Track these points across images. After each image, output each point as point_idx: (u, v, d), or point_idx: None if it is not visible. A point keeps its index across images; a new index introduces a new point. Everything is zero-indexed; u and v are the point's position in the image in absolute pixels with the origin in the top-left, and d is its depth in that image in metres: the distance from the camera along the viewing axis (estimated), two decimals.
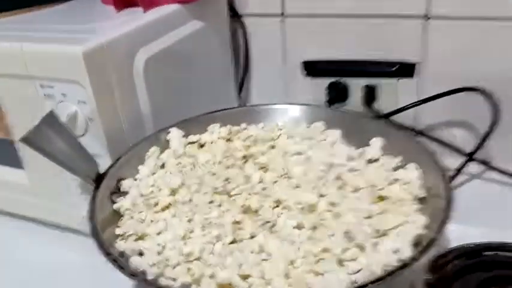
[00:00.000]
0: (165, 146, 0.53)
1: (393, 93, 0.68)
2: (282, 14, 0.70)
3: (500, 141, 0.60)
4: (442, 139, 0.64)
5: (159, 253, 0.39)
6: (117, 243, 0.40)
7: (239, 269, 0.37)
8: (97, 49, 0.47)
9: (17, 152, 0.57)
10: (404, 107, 0.64)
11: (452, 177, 0.56)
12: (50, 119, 0.43)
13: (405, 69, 0.66)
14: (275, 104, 0.57)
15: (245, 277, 0.37)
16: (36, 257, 0.57)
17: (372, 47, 0.67)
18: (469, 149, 0.60)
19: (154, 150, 0.51)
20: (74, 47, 0.46)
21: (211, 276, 0.36)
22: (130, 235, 0.40)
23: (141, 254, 0.40)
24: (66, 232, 0.59)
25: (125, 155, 0.49)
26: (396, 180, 0.45)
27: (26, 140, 0.42)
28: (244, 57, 0.75)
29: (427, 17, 0.62)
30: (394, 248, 0.36)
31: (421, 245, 0.36)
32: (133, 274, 0.35)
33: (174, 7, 0.59)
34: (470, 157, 0.60)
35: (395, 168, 0.46)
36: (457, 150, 0.63)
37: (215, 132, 0.54)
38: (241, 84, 0.76)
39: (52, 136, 0.42)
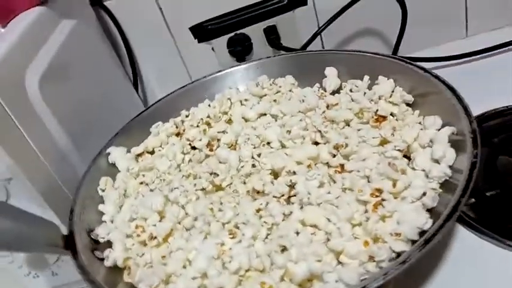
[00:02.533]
0: (112, 171, 0.43)
1: (294, 25, 0.66)
2: None
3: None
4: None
5: (200, 287, 0.32)
6: None
7: (307, 255, 0.31)
8: None
9: None
10: (315, 33, 0.62)
11: None
12: None
13: None
14: (201, 78, 0.51)
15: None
16: None
17: None
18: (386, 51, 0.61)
19: (105, 180, 0.41)
20: None
21: (287, 276, 0.30)
22: (156, 286, 0.32)
23: None
24: None
25: (76, 203, 0.39)
26: (379, 97, 0.42)
27: None
28: (126, 53, 0.65)
29: None
30: (435, 158, 0.34)
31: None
32: None
33: (34, 13, 0.47)
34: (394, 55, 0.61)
35: (368, 88, 0.44)
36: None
37: (161, 131, 0.45)
38: (135, 81, 0.66)
39: (6, 227, 0.30)
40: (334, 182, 0.37)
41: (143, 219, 0.37)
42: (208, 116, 0.46)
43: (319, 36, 0.64)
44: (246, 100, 0.47)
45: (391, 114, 0.41)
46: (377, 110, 0.40)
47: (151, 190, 0.40)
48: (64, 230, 0.36)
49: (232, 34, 0.65)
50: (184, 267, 0.33)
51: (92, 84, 0.52)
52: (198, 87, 0.50)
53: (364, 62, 0.46)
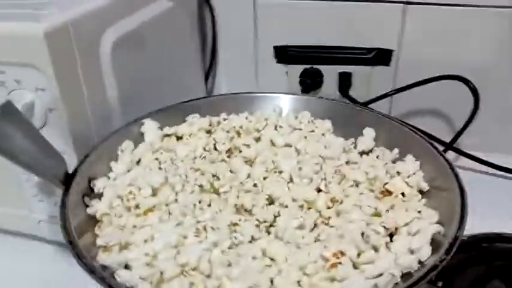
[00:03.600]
0: (138, 139, 0.47)
1: (368, 80, 0.66)
2: None
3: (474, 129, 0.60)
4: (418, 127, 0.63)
5: (147, 264, 0.34)
6: (99, 256, 0.34)
7: (247, 279, 0.32)
8: (61, 28, 0.40)
9: None
10: (383, 94, 0.63)
11: None
12: (7, 110, 0.36)
13: (382, 56, 0.64)
14: (257, 92, 0.53)
15: None
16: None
17: (346, 32, 0.65)
18: (441, 136, 0.59)
19: (127, 144, 0.45)
20: (33, 25, 0.39)
21: None
22: (113, 245, 0.35)
23: (126, 266, 0.34)
24: (18, 238, 0.52)
25: (95, 150, 0.43)
26: (398, 173, 0.42)
27: None
28: (211, 43, 0.70)
29: (407, 1, 0.60)
30: (411, 247, 0.34)
31: (435, 243, 0.34)
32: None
33: None
34: (449, 146, 0.60)
35: (394, 161, 0.44)
36: (435, 139, 0.62)
37: (195, 123, 0.48)
38: (208, 71, 0.71)
39: (10, 131, 0.35)
40: (314, 229, 0.38)
41: (138, 189, 0.41)
42: (241, 127, 0.48)
43: (389, 98, 0.65)
44: (280, 127, 0.49)
45: (402, 194, 0.41)
46: (386, 183, 0.40)
47: (159, 168, 0.44)
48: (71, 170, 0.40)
49: (308, 66, 0.67)
50: (145, 241, 0.36)
51: (163, 63, 0.57)
52: (248, 99, 0.52)
53: (407, 137, 0.46)
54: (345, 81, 0.66)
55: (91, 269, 0.31)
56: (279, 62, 0.69)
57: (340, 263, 0.33)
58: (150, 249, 0.35)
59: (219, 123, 0.49)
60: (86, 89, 0.45)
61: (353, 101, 0.64)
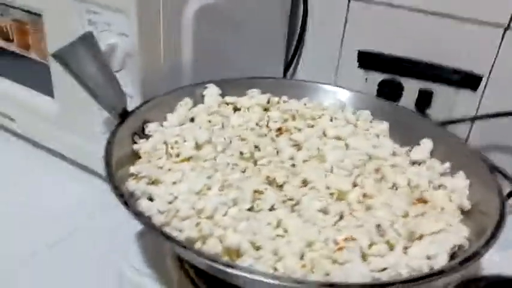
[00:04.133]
0: (199, 100, 0.49)
1: (450, 102, 0.63)
2: None
3: None
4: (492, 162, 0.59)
5: (169, 202, 0.36)
6: (128, 182, 0.37)
7: (252, 236, 0.33)
8: None
9: (50, 77, 0.55)
10: (461, 118, 0.59)
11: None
12: (87, 39, 0.40)
13: (470, 81, 0.61)
14: (323, 83, 0.53)
15: (256, 248, 0.33)
16: (49, 190, 0.56)
17: (436, 49, 0.62)
18: None
19: (187, 101, 0.48)
20: None
21: (220, 238, 0.33)
22: (143, 177, 0.37)
23: (151, 199, 0.37)
24: (85, 172, 0.57)
25: (157, 98, 0.46)
26: (441, 186, 0.40)
27: (57, 55, 0.39)
28: (300, 30, 0.71)
29: (508, 27, 0.56)
30: (428, 254, 0.32)
31: (458, 258, 0.32)
32: (137, 214, 0.32)
33: None
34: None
35: (443, 174, 0.42)
36: (507, 178, 0.57)
37: (254, 97, 0.50)
38: (291, 57, 0.72)
39: (85, 58, 0.40)
40: (340, 220, 0.37)
41: (183, 140, 0.43)
42: (297, 111, 0.49)
43: (468, 125, 0.61)
44: (335, 119, 0.48)
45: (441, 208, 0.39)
46: (423, 191, 0.38)
47: (208, 129, 0.46)
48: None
49: (390, 76, 0.66)
50: (173, 183, 0.38)
51: (244, 40, 0.59)
52: (314, 88, 0.53)
53: (464, 155, 0.43)
54: (424, 99, 0.64)
55: (115, 186, 0.34)
56: (360, 66, 0.68)
57: (346, 247, 0.32)
58: (175, 190, 0.37)
59: (278, 102, 0.50)
60: (163, 46, 0.48)
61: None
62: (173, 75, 0.50)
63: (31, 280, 0.44)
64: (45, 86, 0.56)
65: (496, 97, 0.60)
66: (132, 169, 0.38)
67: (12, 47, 0.59)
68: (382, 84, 0.66)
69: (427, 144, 0.45)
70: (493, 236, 0.32)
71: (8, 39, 0.59)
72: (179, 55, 0.51)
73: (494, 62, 0.59)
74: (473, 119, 0.59)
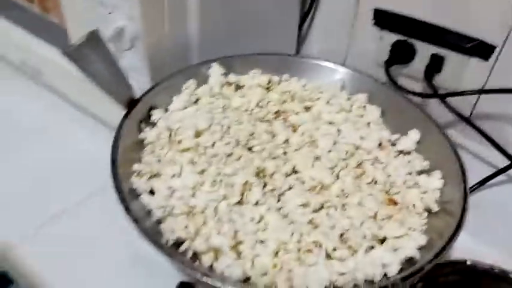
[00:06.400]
0: (203, 79, 0.52)
1: (460, 70, 0.63)
2: None
3: None
4: (493, 136, 0.60)
5: (168, 196, 0.41)
6: (132, 178, 0.42)
7: (234, 237, 0.39)
8: None
9: (68, 38, 0.59)
10: (466, 91, 0.60)
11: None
12: (94, 38, 0.43)
13: (482, 49, 0.60)
14: (325, 60, 0.54)
15: (237, 244, 0.39)
16: (71, 143, 0.61)
17: (454, 14, 0.60)
18: None
19: (191, 83, 0.51)
20: None
21: (206, 237, 0.38)
22: (144, 174, 0.43)
23: (152, 192, 0.42)
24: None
25: (163, 82, 0.50)
26: (416, 184, 0.43)
27: (67, 55, 0.43)
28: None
29: None
30: (383, 262, 0.37)
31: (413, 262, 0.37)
32: (135, 220, 0.37)
33: None
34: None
35: (420, 172, 0.45)
36: (505, 153, 0.59)
37: (255, 78, 0.52)
38: (305, 16, 0.72)
39: (93, 56, 0.43)
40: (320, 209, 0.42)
41: (185, 129, 0.47)
42: (296, 93, 0.51)
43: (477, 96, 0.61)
44: (331, 104, 0.51)
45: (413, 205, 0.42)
46: (397, 192, 0.42)
47: (209, 112, 0.49)
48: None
49: (404, 38, 0.65)
50: (173, 176, 0.43)
51: (253, 13, 0.59)
52: (316, 67, 0.54)
53: (445, 153, 0.45)
54: (435, 64, 0.64)
55: (117, 188, 0.39)
56: (375, 24, 0.67)
57: (313, 250, 0.37)
58: (174, 184, 0.42)
59: (279, 83, 0.53)
60: (168, 22, 0.49)
61: (434, 89, 0.62)
62: (180, 51, 0.53)
63: (61, 236, 0.50)
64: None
65: (507, 69, 0.59)
66: (135, 167, 0.43)
67: (35, 8, 0.62)
68: (395, 45, 0.66)
69: (413, 135, 0.47)
70: (441, 251, 0.36)
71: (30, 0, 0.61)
72: (185, 32, 0.53)
73: (509, 33, 0.57)
74: (479, 92, 0.59)
